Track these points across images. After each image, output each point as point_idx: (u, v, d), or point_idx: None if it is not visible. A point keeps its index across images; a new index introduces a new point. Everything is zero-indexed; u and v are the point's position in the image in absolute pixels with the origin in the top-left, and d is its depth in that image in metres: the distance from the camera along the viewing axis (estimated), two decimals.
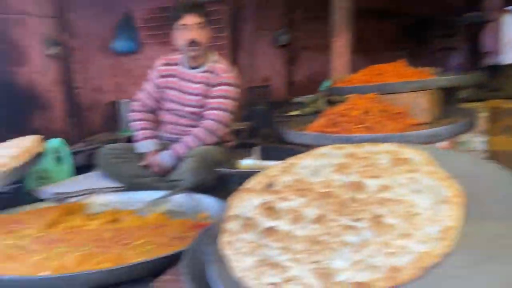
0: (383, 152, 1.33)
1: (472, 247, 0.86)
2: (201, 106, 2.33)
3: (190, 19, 2.21)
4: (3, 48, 3.99)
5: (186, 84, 2.35)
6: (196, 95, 2.32)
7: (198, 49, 2.26)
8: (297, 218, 1.09)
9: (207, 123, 2.25)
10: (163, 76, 2.40)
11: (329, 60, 5.76)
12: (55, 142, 2.32)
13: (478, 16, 7.33)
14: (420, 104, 1.78)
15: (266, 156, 2.51)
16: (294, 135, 1.66)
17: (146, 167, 2.28)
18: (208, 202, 1.86)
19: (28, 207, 1.84)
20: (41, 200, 1.97)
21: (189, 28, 2.22)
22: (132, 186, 2.19)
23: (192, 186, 1.96)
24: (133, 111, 2.45)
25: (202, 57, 2.33)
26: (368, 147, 1.36)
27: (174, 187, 2.12)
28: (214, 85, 2.30)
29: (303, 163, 1.36)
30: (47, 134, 4.14)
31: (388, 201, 1.07)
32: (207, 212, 1.81)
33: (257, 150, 2.88)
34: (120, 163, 2.24)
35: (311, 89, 5.45)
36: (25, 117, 4.19)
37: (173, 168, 2.25)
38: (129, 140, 3.50)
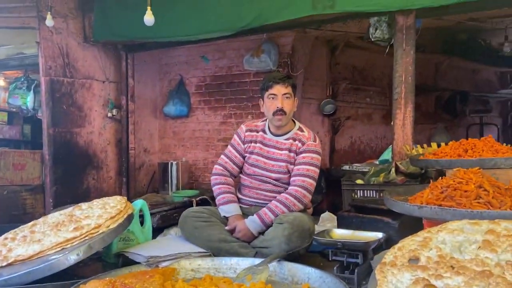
0: None
1: None
2: (285, 173, 2.35)
3: (279, 89, 2.31)
4: (69, 110, 4.16)
5: (271, 150, 2.40)
6: (281, 161, 2.35)
7: (284, 118, 2.33)
8: None
9: (294, 189, 2.27)
10: (247, 142, 2.46)
11: (372, 130, 5.87)
12: (139, 203, 2.33)
13: (510, 93, 7.48)
14: None
15: (342, 224, 2.48)
16: (405, 207, 1.64)
17: (229, 232, 2.26)
18: (305, 271, 1.81)
19: (123, 271, 1.80)
20: (134, 263, 1.93)
21: (278, 98, 2.31)
22: (215, 251, 2.16)
23: (285, 253, 1.91)
24: (215, 174, 2.48)
25: (286, 125, 2.39)
26: (505, 224, 1.34)
27: (260, 255, 2.08)
28: (299, 153, 2.34)
29: (439, 237, 1.34)
30: (98, 193, 4.26)
31: None
32: (306, 282, 1.75)
33: (326, 217, 2.85)
34: (205, 227, 2.23)
35: (352, 157, 5.51)
36: (81, 175, 4.26)
37: (258, 234, 2.23)
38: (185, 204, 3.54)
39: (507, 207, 1.55)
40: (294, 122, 2.47)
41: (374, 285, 1.19)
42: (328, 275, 1.71)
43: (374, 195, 2.76)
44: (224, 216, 2.37)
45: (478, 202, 1.56)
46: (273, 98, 2.33)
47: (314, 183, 2.31)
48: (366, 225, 2.26)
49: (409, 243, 1.33)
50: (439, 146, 3.28)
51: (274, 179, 2.37)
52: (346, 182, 2.87)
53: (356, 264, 1.87)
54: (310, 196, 2.31)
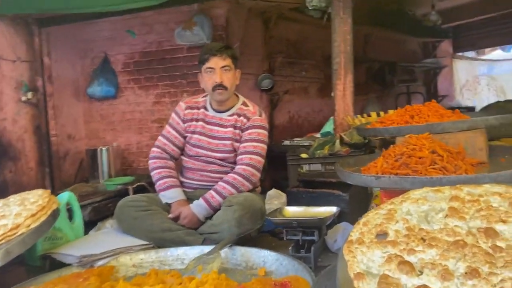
0: (490, 194, 1.26)
1: None
2: (231, 152, 2.18)
3: (217, 62, 2.11)
4: None
5: (214, 128, 2.21)
6: (226, 139, 2.18)
7: (225, 93, 2.15)
8: (446, 273, 0.96)
9: (242, 168, 2.11)
10: (187, 121, 2.25)
11: (309, 103, 5.86)
12: (66, 196, 2.04)
13: (433, 62, 7.87)
14: (476, 144, 1.76)
15: (291, 200, 2.39)
16: (362, 178, 1.55)
17: (173, 219, 2.06)
18: (260, 255, 1.68)
19: (52, 275, 1.55)
20: (63, 266, 1.68)
21: (216, 72, 2.11)
22: (158, 242, 1.96)
23: (236, 237, 1.77)
24: (153, 158, 2.25)
25: (229, 100, 2.21)
26: (467, 189, 1.29)
27: (209, 241, 1.92)
28: (245, 129, 2.18)
29: (403, 208, 1.26)
30: (17, 188, 3.80)
31: None
32: (262, 266, 1.63)
33: (273, 195, 2.74)
34: (146, 216, 2.01)
35: (291, 132, 5.48)
36: None
37: (205, 219, 2.05)
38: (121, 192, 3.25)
39: (463, 171, 1.52)
40: (238, 97, 2.29)
41: (343, 266, 1.08)
42: (285, 257, 1.59)
43: (320, 168, 2.69)
44: (167, 202, 2.16)
45: (434, 168, 1.52)
46: (210, 72, 2.13)
47: (263, 161, 2.17)
48: (317, 200, 2.18)
49: (373, 217, 1.24)
50: (378, 115, 3.30)
51: (219, 159, 2.20)
52: (291, 157, 2.77)
53: (312, 241, 1.77)
54: (258, 175, 2.17)
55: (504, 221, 1.09)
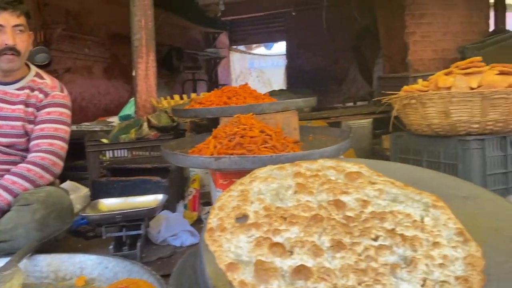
0: (326, 168, 1.34)
1: (490, 243, 0.95)
2: (22, 136, 1.69)
3: (8, 19, 1.61)
4: None
5: None
6: (15, 119, 1.67)
7: (17, 59, 1.66)
8: (316, 249, 0.96)
9: (40, 156, 1.65)
10: None
11: (94, 85, 5.32)
12: None
13: (214, 52, 8.32)
14: (291, 124, 1.87)
15: (99, 192, 2.08)
16: (200, 160, 1.44)
17: None
18: (75, 261, 1.38)
19: None
20: None
21: (6, 31, 1.61)
22: None
23: (39, 244, 1.39)
24: None
25: (19, 69, 1.71)
26: (305, 165, 1.34)
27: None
28: (41, 107, 1.72)
29: (254, 188, 1.21)
30: None
31: (383, 214, 1.07)
32: (80, 274, 1.34)
33: (69, 187, 2.33)
34: None
35: (74, 116, 4.85)
36: None
37: None
38: None
39: (290, 149, 1.58)
40: (29, 66, 1.81)
41: (209, 259, 0.94)
42: (111, 259, 1.34)
43: (126, 154, 2.43)
44: None
45: (265, 147, 1.53)
46: None
47: (66, 146, 1.76)
48: (132, 190, 1.94)
49: (228, 200, 1.14)
50: (181, 98, 3.23)
51: (5, 146, 1.68)
52: (91, 143, 2.40)
53: (137, 236, 1.55)
54: (62, 164, 1.74)
55: (346, 192, 1.15)
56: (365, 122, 3.28)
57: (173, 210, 2.00)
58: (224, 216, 1.07)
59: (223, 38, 9.09)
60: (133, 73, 2.90)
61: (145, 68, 2.90)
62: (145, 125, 2.46)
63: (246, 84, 2.20)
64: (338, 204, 1.11)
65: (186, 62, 7.11)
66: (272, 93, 5.31)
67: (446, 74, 1.64)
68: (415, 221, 1.03)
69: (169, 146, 1.71)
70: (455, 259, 0.91)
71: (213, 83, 8.38)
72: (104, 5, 5.25)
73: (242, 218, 1.06)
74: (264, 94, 2.18)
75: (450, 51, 4.13)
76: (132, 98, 3.02)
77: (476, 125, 1.54)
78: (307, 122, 3.07)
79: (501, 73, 1.55)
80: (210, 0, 6.29)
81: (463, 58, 3.27)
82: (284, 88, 8.24)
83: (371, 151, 3.26)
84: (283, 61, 9.69)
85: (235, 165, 1.38)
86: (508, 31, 3.98)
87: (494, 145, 1.59)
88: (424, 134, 1.74)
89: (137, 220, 1.51)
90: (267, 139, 1.56)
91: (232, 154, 1.46)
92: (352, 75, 7.16)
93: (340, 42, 7.30)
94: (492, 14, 4.57)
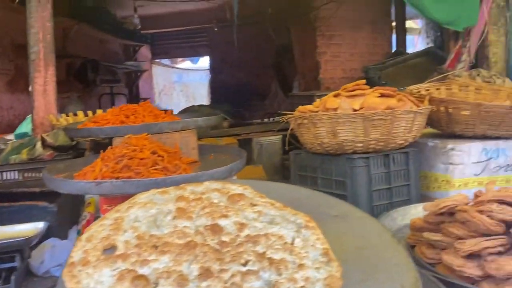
0: (210, 191, 1.33)
1: (351, 261, 0.99)
2: None
3: None
4: None
5: None
6: None
7: None
8: (181, 280, 0.94)
9: None
10: None
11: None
12: None
13: (134, 65, 8.11)
14: (189, 143, 1.85)
15: None
16: (79, 185, 1.35)
17: None
18: None
19: None
20: None
21: None
22: None
23: None
24: None
25: None
26: (190, 188, 1.32)
27: None
28: None
29: (131, 215, 1.16)
30: None
31: (257, 237, 1.08)
32: None
33: None
34: None
35: None
36: None
37: None
38: None
39: (182, 171, 1.55)
40: None
41: None
42: None
43: (17, 177, 2.23)
44: None
45: (156, 169, 1.48)
46: None
47: None
48: (15, 216, 1.78)
49: (98, 230, 1.07)
50: (86, 115, 3.07)
51: None
52: None
53: (12, 269, 1.42)
54: None
55: (225, 216, 1.14)
56: (275, 139, 3.37)
57: (65, 236, 1.86)
58: (90, 248, 1.01)
59: (145, 51, 8.89)
60: (29, 88, 2.71)
61: (43, 83, 2.72)
62: (39, 144, 2.29)
63: (148, 101, 2.14)
64: (215, 229, 1.10)
65: (103, 75, 6.82)
66: (191, 109, 5.27)
67: (335, 95, 1.73)
68: (285, 243, 1.04)
69: (54, 168, 1.60)
70: (317, 280, 0.93)
71: (133, 97, 8.13)
72: (8, 14, 4.89)
73: (110, 249, 1.01)
74: (166, 112, 2.14)
75: (357, 71, 4.38)
76: (30, 115, 2.81)
77: (360, 144, 1.63)
78: (217, 140, 3.06)
79: (382, 95, 1.67)
80: (128, 12, 6.14)
81: (366, 78, 3.49)
82: (207, 103, 8.22)
83: (282, 167, 3.35)
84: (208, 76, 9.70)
85: (117, 189, 1.32)
86: (407, 53, 4.33)
87: (378, 163, 1.69)
88: (317, 153, 1.80)
89: (9, 252, 1.38)
90: (158, 160, 1.52)
91: (118, 178, 1.39)
92: (274, 90, 7.34)
93: (262, 58, 7.47)
94: (394, 37, 4.95)
